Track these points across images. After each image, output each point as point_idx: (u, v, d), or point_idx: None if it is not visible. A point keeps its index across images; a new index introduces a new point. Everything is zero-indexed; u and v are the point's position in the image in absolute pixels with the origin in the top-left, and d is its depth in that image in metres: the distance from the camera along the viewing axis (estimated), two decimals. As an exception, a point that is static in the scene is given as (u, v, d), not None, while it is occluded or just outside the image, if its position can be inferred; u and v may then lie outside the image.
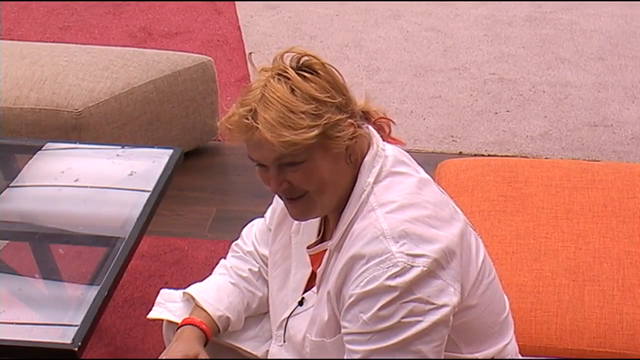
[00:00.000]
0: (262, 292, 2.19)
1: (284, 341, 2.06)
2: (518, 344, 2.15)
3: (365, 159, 1.90)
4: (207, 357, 2.02)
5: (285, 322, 2.05)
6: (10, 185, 2.85)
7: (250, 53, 1.93)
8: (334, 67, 1.87)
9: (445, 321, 1.83)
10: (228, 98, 4.41)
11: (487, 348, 2.00)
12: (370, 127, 1.95)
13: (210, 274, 2.22)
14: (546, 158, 3.99)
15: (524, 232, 2.70)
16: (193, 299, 2.12)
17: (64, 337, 2.18)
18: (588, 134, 4.23)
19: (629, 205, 2.79)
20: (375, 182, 1.88)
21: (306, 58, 1.85)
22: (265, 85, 1.81)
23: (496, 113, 4.41)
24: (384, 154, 1.91)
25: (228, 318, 2.12)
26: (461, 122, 4.33)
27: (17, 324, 2.28)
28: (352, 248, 1.84)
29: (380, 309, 1.79)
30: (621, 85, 4.63)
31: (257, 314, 2.20)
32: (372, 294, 1.79)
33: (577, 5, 5.48)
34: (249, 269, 2.19)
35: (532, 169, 2.95)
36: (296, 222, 2.04)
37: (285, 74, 1.82)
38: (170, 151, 2.93)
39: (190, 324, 2.07)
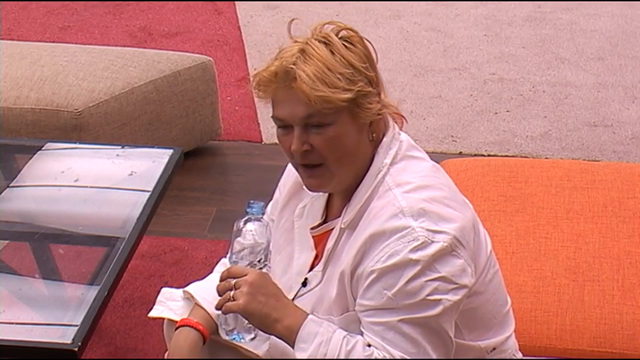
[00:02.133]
0: None
1: None
2: (518, 344, 2.15)
3: (384, 139, 1.93)
4: None
5: None
6: (10, 185, 2.84)
7: (293, 19, 1.96)
8: (371, 44, 1.92)
9: (461, 302, 1.86)
10: (228, 98, 4.41)
11: (489, 338, 2.02)
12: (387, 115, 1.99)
13: (211, 273, 2.22)
14: (546, 158, 3.99)
15: (524, 232, 2.70)
16: (192, 297, 2.13)
17: (64, 337, 2.18)
18: (588, 134, 4.23)
19: (629, 205, 2.79)
20: (392, 163, 1.92)
21: (345, 32, 1.90)
22: (307, 43, 1.86)
23: (496, 113, 4.41)
24: (399, 138, 1.96)
25: None
26: (461, 122, 4.33)
27: (17, 324, 2.28)
28: (370, 226, 1.85)
29: (405, 284, 1.80)
30: (621, 85, 4.63)
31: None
32: (394, 269, 1.80)
33: (577, 5, 5.49)
34: None
35: (532, 169, 2.95)
36: (299, 206, 2.06)
37: (328, 39, 1.87)
38: (170, 151, 2.93)
39: (186, 326, 2.07)
